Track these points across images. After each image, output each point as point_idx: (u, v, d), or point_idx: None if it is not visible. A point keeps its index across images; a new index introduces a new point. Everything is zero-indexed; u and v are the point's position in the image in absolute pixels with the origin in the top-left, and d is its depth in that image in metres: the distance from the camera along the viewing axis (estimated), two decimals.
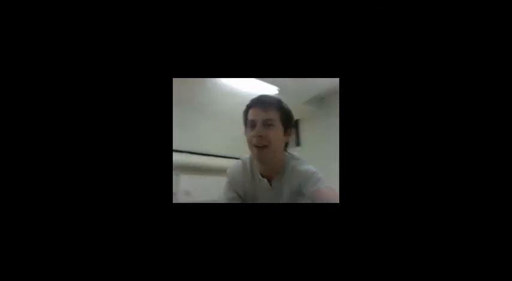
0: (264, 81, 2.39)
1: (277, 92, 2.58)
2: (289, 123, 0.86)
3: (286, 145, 0.92)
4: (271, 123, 0.80)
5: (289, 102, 0.90)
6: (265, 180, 0.89)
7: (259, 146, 0.79)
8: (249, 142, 0.82)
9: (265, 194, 0.93)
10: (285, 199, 0.91)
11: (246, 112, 0.86)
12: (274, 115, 0.82)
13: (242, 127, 0.94)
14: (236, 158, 1.05)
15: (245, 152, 0.98)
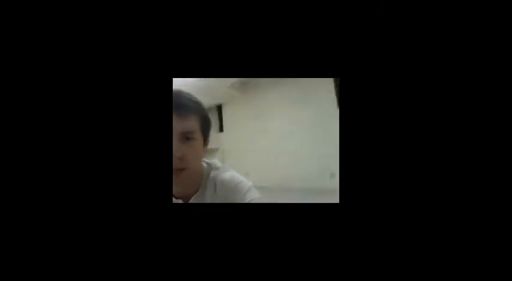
0: None
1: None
2: (209, 131, 0.71)
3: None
4: (191, 136, 0.64)
5: (212, 87, 0.78)
6: (180, 201, 0.72)
7: (176, 169, 0.63)
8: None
9: None
10: None
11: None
12: (194, 125, 0.64)
13: None
14: None
15: None
